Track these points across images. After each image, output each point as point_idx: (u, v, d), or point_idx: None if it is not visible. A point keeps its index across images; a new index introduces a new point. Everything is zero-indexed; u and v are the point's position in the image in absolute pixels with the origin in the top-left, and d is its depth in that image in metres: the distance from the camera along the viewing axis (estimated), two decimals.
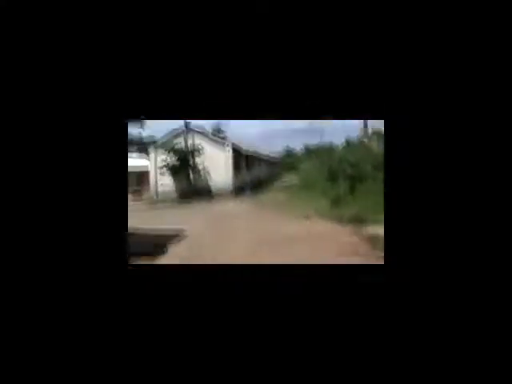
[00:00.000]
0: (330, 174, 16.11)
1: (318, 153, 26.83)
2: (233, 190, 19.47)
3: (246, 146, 25.82)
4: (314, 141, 47.32)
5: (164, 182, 20.08)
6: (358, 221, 8.98)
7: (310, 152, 44.36)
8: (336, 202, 11.81)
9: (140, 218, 12.72)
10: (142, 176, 22.47)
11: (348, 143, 21.06)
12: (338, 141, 25.75)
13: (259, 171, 28.67)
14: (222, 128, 51.36)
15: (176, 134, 20.10)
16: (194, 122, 20.04)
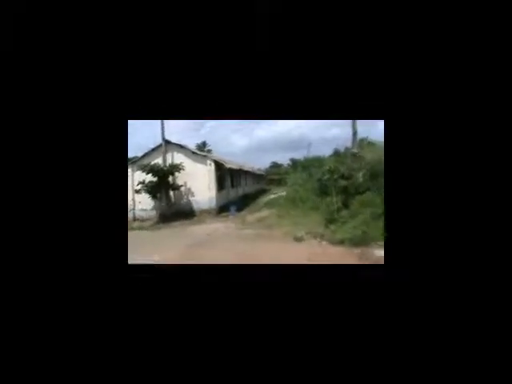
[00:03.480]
0: (321, 188, 15.07)
1: (306, 165, 25.69)
2: (217, 209, 18.03)
3: (230, 160, 24.72)
4: (299, 155, 47.26)
5: (143, 203, 18.57)
6: (360, 241, 7.69)
7: (296, 166, 44.09)
8: (330, 219, 10.49)
9: None
10: None
11: (338, 154, 19.93)
12: (327, 153, 24.74)
13: (244, 187, 27.49)
14: (206, 142, 51.02)
15: (154, 150, 18.71)
16: (174, 138, 18.78)
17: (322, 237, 9.02)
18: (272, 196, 24.04)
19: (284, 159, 72.63)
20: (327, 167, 14.36)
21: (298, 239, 9.05)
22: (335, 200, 12.04)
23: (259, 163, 50.01)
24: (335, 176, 13.14)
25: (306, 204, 15.59)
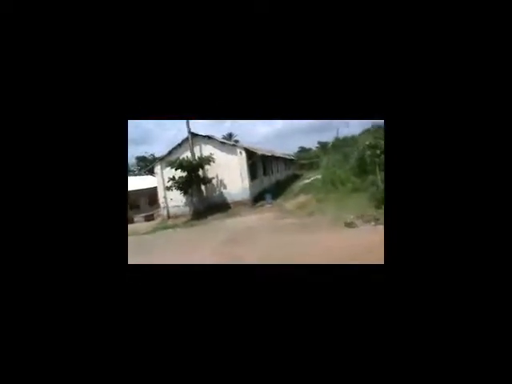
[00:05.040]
0: (360, 167, 13.95)
1: (338, 145, 24.49)
2: (251, 199, 17.26)
3: (260, 148, 23.90)
4: (326, 137, 46.34)
5: (175, 200, 18.07)
6: None
7: (326, 147, 43.21)
8: (379, 199, 9.36)
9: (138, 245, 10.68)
10: (154, 196, 20.68)
11: (377, 129, 18.57)
12: (356, 132, 23.47)
13: (276, 174, 26.61)
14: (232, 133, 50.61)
15: (181, 145, 18.07)
16: (200, 129, 18.03)
17: (376, 220, 7.98)
18: (306, 181, 23.07)
19: (311, 142, 71.24)
20: (367, 143, 13.25)
21: (350, 225, 8.03)
22: (380, 178, 10.94)
23: (286, 149, 49.03)
24: (378, 151, 12.02)
25: (346, 186, 14.58)
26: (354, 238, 6.97)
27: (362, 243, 6.38)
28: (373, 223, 7.93)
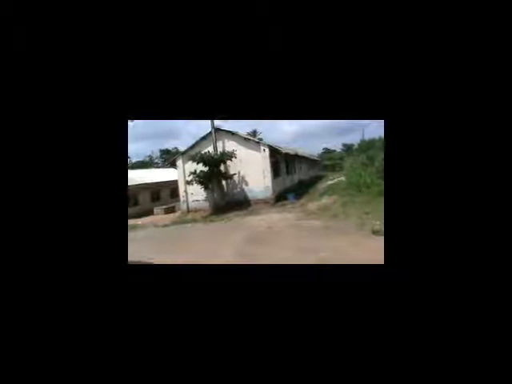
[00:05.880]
0: None
1: (363, 148, 24.03)
2: (273, 197, 16.91)
3: (284, 146, 23.54)
4: (350, 139, 46.33)
5: (195, 194, 17.95)
6: None
7: (351, 150, 42.68)
8: None
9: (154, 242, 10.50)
10: (176, 189, 20.71)
11: None
12: (380, 134, 23.03)
13: (299, 173, 26.18)
14: (256, 130, 50.28)
15: (204, 139, 17.90)
16: (224, 125, 17.82)
17: None
18: (330, 182, 22.59)
19: (334, 144, 70.97)
20: None
21: (379, 233, 7.42)
22: None
23: (310, 149, 48.54)
24: None
25: (372, 189, 14.09)
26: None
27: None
28: None
